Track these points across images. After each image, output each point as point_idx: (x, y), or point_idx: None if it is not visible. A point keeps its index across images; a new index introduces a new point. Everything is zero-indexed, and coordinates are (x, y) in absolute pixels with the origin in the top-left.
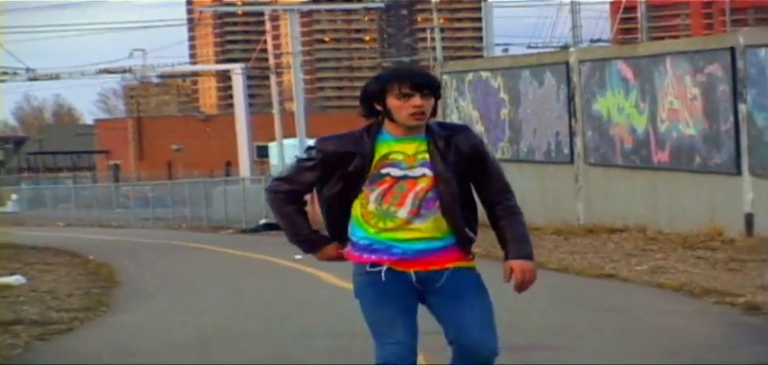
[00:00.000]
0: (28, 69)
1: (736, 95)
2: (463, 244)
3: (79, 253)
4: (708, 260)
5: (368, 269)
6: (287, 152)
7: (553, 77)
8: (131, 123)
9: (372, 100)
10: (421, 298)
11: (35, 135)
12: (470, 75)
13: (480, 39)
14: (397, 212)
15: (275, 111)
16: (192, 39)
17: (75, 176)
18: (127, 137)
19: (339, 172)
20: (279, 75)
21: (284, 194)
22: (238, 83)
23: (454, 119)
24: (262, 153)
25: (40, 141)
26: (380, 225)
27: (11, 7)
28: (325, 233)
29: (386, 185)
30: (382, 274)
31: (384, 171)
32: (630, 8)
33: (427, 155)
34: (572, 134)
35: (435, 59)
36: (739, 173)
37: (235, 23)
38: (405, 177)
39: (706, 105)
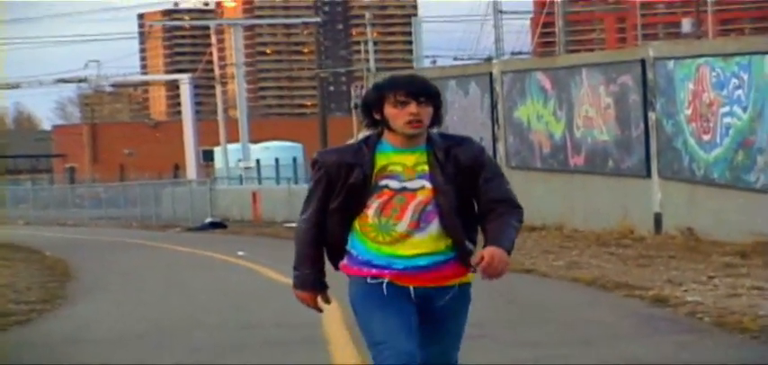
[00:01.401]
0: None
1: (646, 104)
2: (463, 256)
3: (37, 250)
4: (619, 256)
5: (368, 281)
6: (231, 156)
7: (477, 87)
8: (86, 129)
9: (371, 109)
10: (419, 313)
11: None
12: None
13: (410, 51)
14: (396, 225)
15: (220, 118)
16: (142, 51)
17: (33, 178)
18: (82, 142)
19: (340, 185)
20: (223, 84)
21: (307, 223)
22: (186, 92)
23: None
24: (207, 157)
25: (2, 145)
26: (380, 239)
27: None
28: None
29: (384, 197)
30: (384, 288)
31: (382, 183)
32: (549, 23)
33: (427, 167)
34: (495, 140)
35: (368, 70)
36: (649, 175)
37: (183, 36)
38: (403, 189)
39: (618, 113)
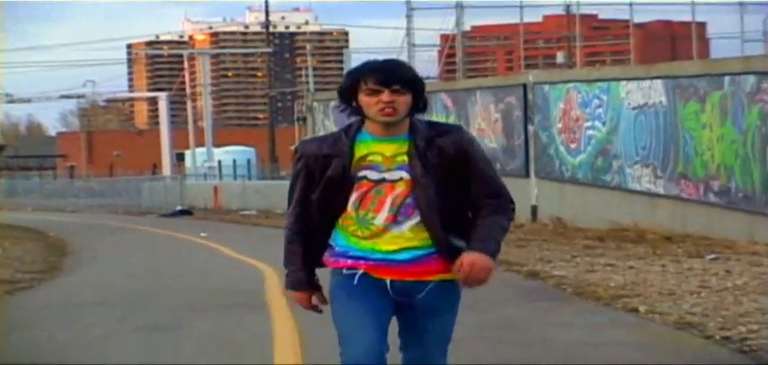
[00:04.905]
0: (7, 94)
1: (526, 119)
2: (445, 253)
3: (42, 231)
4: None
5: (344, 272)
6: (198, 157)
7: None
8: (84, 135)
9: (348, 97)
10: (396, 308)
11: (12, 143)
12: (333, 102)
13: (342, 76)
14: (374, 219)
15: (190, 127)
16: (130, 73)
17: (40, 174)
18: (80, 146)
19: (318, 176)
20: (193, 100)
21: (290, 217)
22: (163, 106)
23: None
24: (179, 158)
25: (16, 148)
26: (359, 233)
27: None
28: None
29: (363, 189)
30: (355, 279)
31: (361, 174)
32: (452, 55)
33: (406, 158)
34: None
35: (309, 90)
36: (528, 175)
37: (162, 62)
38: (382, 181)
39: (505, 126)
